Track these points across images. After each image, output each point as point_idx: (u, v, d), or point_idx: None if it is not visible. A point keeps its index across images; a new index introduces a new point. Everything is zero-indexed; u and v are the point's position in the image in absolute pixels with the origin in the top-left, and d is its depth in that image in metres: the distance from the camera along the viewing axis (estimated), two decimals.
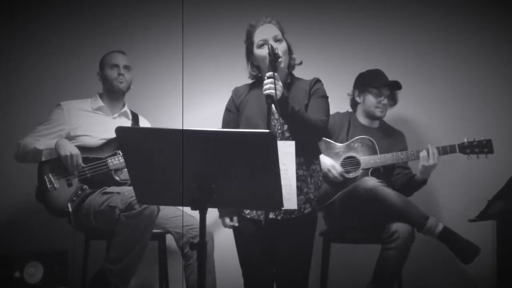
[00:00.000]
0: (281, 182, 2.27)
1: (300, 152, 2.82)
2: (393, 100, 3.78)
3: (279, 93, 2.79)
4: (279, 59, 2.91)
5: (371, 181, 3.44)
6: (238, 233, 3.10)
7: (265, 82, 2.81)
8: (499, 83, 4.05)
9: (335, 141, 3.70)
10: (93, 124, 3.65)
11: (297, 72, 3.17)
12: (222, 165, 2.26)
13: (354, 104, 3.84)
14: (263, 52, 2.98)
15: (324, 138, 3.60)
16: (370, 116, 3.77)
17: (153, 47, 4.25)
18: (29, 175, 3.56)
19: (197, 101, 4.21)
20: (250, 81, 3.18)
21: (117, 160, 3.54)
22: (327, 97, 3.10)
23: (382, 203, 3.38)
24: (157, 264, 3.73)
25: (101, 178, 3.52)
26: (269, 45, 2.89)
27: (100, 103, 3.72)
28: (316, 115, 2.99)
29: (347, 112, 3.87)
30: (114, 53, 3.77)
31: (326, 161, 3.58)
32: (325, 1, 4.22)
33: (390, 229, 3.35)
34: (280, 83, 2.83)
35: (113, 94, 3.74)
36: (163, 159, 2.29)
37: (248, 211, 3.03)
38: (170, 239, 3.67)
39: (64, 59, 4.25)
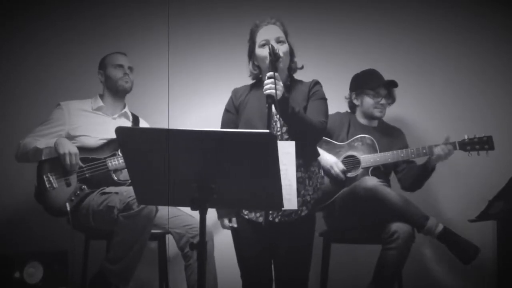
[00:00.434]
0: (281, 182, 2.27)
1: (299, 154, 2.82)
2: (391, 98, 3.78)
3: (279, 93, 2.79)
4: (280, 59, 2.91)
5: (371, 181, 3.43)
6: (236, 234, 3.10)
7: (265, 82, 2.81)
8: (499, 83, 4.05)
9: (335, 141, 3.70)
10: (93, 124, 3.64)
11: (297, 72, 3.17)
12: (222, 165, 2.26)
13: (352, 107, 3.84)
14: (264, 52, 2.98)
15: (324, 137, 3.60)
16: (369, 117, 3.77)
17: (153, 47, 4.24)
18: (29, 175, 3.56)
19: (197, 101, 4.20)
20: (249, 82, 3.18)
21: (116, 161, 3.54)
22: (326, 99, 3.10)
23: (382, 203, 3.38)
24: (157, 264, 3.72)
25: (100, 178, 3.51)
26: (270, 45, 2.90)
27: (100, 103, 3.72)
28: (315, 116, 2.99)
29: (347, 112, 3.87)
30: (117, 54, 3.77)
31: (329, 158, 3.58)
32: (325, 1, 4.22)
33: (390, 229, 3.35)
34: (280, 83, 2.83)
35: (116, 94, 3.73)
36: (163, 159, 2.29)
37: (247, 212, 3.03)
38: (170, 240, 3.66)
39: (63, 59, 4.25)
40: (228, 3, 4.27)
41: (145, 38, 4.26)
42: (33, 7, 4.29)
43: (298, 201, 2.93)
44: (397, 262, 3.34)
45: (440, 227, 3.37)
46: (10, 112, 4.22)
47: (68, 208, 3.42)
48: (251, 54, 3.11)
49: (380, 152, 3.62)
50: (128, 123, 3.77)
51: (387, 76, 3.75)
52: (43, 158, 3.49)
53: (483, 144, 3.53)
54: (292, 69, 3.12)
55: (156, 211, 3.36)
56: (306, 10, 4.16)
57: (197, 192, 2.26)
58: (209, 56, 4.24)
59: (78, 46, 4.25)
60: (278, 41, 3.03)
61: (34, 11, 4.29)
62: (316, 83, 3.11)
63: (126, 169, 3.51)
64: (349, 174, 3.62)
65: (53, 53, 4.26)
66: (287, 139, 2.98)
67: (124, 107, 3.80)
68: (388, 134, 3.77)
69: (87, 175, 3.51)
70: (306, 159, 2.99)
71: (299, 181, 2.93)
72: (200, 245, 2.30)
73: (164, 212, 3.54)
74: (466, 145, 3.54)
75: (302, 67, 3.14)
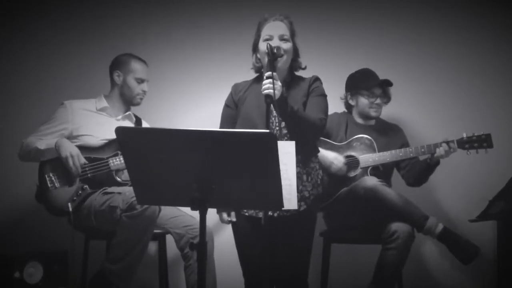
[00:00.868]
0: (281, 182, 2.27)
1: (298, 150, 2.82)
2: (386, 98, 3.78)
3: (277, 93, 2.79)
4: (278, 58, 2.91)
5: (371, 181, 3.44)
6: (236, 231, 3.10)
7: (264, 82, 2.82)
8: (499, 82, 4.05)
9: (333, 141, 3.70)
10: (96, 124, 3.63)
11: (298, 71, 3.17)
12: (222, 165, 2.26)
13: (348, 107, 3.85)
14: (264, 46, 2.96)
15: (322, 138, 3.61)
16: (365, 116, 3.77)
17: (153, 47, 4.24)
18: (29, 175, 3.55)
19: (197, 101, 4.20)
20: (250, 77, 3.18)
21: (118, 161, 3.53)
22: (325, 96, 3.11)
23: (382, 202, 3.38)
24: (157, 264, 3.72)
25: (102, 179, 3.51)
26: (268, 45, 2.89)
27: (105, 103, 3.70)
28: (315, 113, 2.99)
29: (344, 112, 3.88)
30: (142, 63, 3.71)
31: (328, 154, 3.58)
32: (325, 2, 4.22)
33: (390, 229, 3.35)
34: (279, 83, 2.83)
35: (124, 100, 3.72)
36: (163, 159, 2.29)
37: None
38: (170, 240, 3.66)
39: (64, 59, 4.25)
40: (228, 3, 4.26)
41: (146, 37, 4.26)
42: (33, 7, 4.29)
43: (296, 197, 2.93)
44: (397, 262, 3.34)
45: (440, 227, 3.37)
46: (11, 112, 4.22)
47: (70, 208, 3.41)
48: (255, 47, 3.11)
49: (378, 151, 3.63)
50: (131, 126, 3.75)
51: (386, 76, 3.75)
52: (43, 159, 3.48)
53: (481, 142, 3.53)
54: (295, 68, 3.13)
55: (159, 211, 3.36)
56: (306, 10, 4.16)
57: (197, 192, 2.26)
58: (210, 55, 4.24)
59: (78, 46, 4.25)
60: (282, 39, 3.03)
61: (34, 11, 4.29)
62: (316, 79, 3.12)
63: None
64: (348, 174, 3.62)
65: (53, 53, 4.26)
66: (285, 135, 2.98)
67: (129, 109, 3.79)
68: (386, 132, 3.77)
69: (89, 175, 3.50)
70: (305, 155, 2.99)
71: (297, 176, 2.91)
72: (200, 245, 2.30)
73: (165, 212, 3.54)
74: (465, 144, 3.53)
75: (305, 68, 3.15)
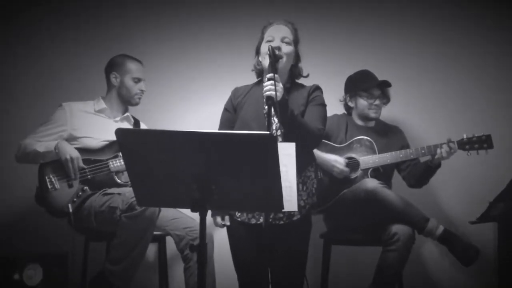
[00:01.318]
0: (281, 183, 2.27)
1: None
2: (385, 98, 3.77)
3: (279, 95, 2.78)
4: (279, 60, 2.90)
5: (372, 183, 3.43)
6: (230, 236, 3.09)
7: (265, 84, 2.81)
8: (499, 82, 4.05)
9: (334, 143, 3.70)
10: (95, 126, 3.63)
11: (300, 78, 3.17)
12: (222, 166, 2.26)
13: (348, 109, 3.84)
14: (265, 48, 2.96)
15: (323, 140, 3.59)
16: (365, 118, 3.77)
17: (153, 47, 4.24)
18: (29, 177, 3.55)
19: (197, 102, 4.20)
20: (250, 78, 3.17)
21: (118, 163, 3.53)
22: (325, 105, 3.08)
23: (383, 204, 3.38)
24: (157, 266, 3.72)
25: (101, 180, 3.51)
26: (270, 46, 2.88)
27: (103, 105, 3.70)
28: (313, 122, 2.97)
29: (344, 113, 3.87)
30: (137, 63, 3.72)
31: (328, 157, 3.57)
32: (325, 2, 4.22)
33: (390, 231, 3.34)
34: (280, 85, 2.82)
35: (123, 102, 3.72)
36: (163, 161, 2.28)
37: (239, 214, 3.02)
38: (170, 241, 3.66)
39: (62, 60, 4.24)
40: (227, 5, 4.26)
41: (145, 38, 4.25)
42: (30, 9, 4.28)
43: None
44: (397, 264, 3.33)
45: (441, 228, 3.36)
46: (11, 112, 4.21)
47: (70, 209, 3.41)
48: (258, 50, 3.10)
49: (379, 152, 3.62)
50: (129, 127, 3.75)
51: (386, 77, 3.74)
52: (42, 161, 3.48)
53: (482, 143, 3.52)
54: (294, 74, 3.11)
55: (159, 211, 3.36)
56: (306, 10, 4.16)
57: (197, 194, 2.26)
58: (210, 56, 4.23)
59: (77, 47, 4.24)
60: (283, 41, 3.02)
61: (31, 13, 4.28)
62: (317, 88, 3.09)
63: None
64: (348, 176, 3.61)
65: (52, 54, 4.26)
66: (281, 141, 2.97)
67: (127, 110, 3.79)
68: (386, 133, 3.77)
69: (89, 176, 3.50)
70: (301, 164, 2.91)
71: None
72: (200, 247, 2.29)
73: (165, 214, 3.54)
74: (465, 145, 3.53)
75: (307, 76, 3.13)
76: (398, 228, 3.34)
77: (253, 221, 2.98)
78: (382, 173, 3.63)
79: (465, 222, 3.61)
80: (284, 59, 2.99)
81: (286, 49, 3.00)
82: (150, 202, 2.71)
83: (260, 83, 3.12)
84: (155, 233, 3.47)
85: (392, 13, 4.17)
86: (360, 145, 3.66)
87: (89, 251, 3.58)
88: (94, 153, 3.54)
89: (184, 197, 2.29)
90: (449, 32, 4.11)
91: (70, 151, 3.45)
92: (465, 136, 3.54)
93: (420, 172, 3.60)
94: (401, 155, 3.60)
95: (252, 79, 3.21)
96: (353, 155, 3.65)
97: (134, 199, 3.20)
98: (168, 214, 3.57)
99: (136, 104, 3.73)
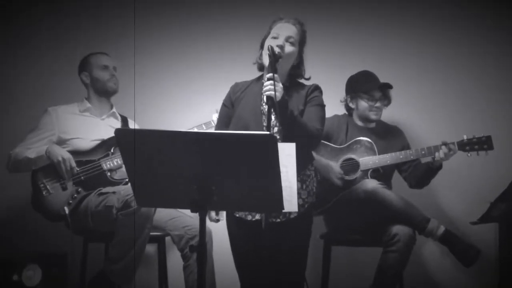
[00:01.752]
0: (281, 184, 2.26)
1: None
2: (386, 100, 3.76)
3: (279, 95, 2.77)
4: (279, 59, 2.89)
5: (372, 183, 3.43)
6: (229, 233, 3.08)
7: (265, 83, 2.80)
8: (499, 83, 4.04)
9: (334, 143, 3.69)
10: (83, 126, 3.65)
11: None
12: (222, 166, 2.26)
13: (349, 109, 3.83)
14: (269, 43, 2.94)
15: (323, 141, 3.59)
16: (365, 119, 3.76)
17: (154, 47, 4.23)
18: (28, 177, 3.54)
19: (197, 102, 4.19)
20: (250, 78, 3.16)
21: (110, 161, 3.55)
22: (323, 106, 3.06)
23: (383, 205, 3.37)
24: (157, 266, 3.71)
25: (95, 180, 3.52)
26: (269, 46, 2.88)
27: (87, 104, 3.72)
28: (312, 123, 2.95)
29: (345, 114, 3.86)
30: (100, 54, 3.75)
31: (326, 164, 3.56)
32: (326, 3, 4.21)
33: (391, 232, 3.34)
34: (280, 85, 2.81)
35: (103, 95, 3.73)
36: (163, 161, 2.28)
37: None
38: (169, 240, 3.65)
39: (64, 60, 4.22)
40: (227, 5, 4.25)
41: (145, 39, 4.23)
42: (30, 9, 4.27)
43: None
44: (398, 264, 3.33)
45: (442, 229, 3.36)
46: (11, 112, 4.20)
47: (67, 212, 3.41)
48: (263, 44, 3.07)
49: (379, 153, 3.61)
50: (117, 123, 3.77)
51: (387, 78, 3.74)
52: (34, 168, 3.48)
53: (482, 144, 3.51)
54: (297, 74, 3.09)
55: (155, 208, 3.36)
56: (306, 10, 4.15)
57: (197, 194, 2.25)
58: (209, 55, 4.23)
59: (77, 47, 4.22)
60: (287, 40, 3.00)
61: (29, 13, 4.27)
62: (316, 88, 3.07)
63: (120, 169, 3.55)
64: (347, 177, 3.60)
65: (51, 53, 4.25)
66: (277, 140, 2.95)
67: (112, 107, 3.80)
68: (386, 134, 3.76)
69: (82, 177, 3.51)
70: (300, 163, 2.89)
71: None
72: (200, 247, 2.29)
73: (163, 214, 3.54)
74: (465, 146, 3.52)
75: (309, 78, 3.11)
76: (399, 229, 3.33)
77: (249, 217, 2.97)
78: (382, 173, 3.63)
79: (466, 223, 3.60)
80: (285, 58, 2.97)
81: (289, 49, 2.99)
82: (150, 203, 2.71)
83: (260, 79, 3.11)
84: (154, 234, 3.47)
85: (392, 13, 4.16)
86: (360, 146, 3.66)
87: (88, 251, 3.58)
88: (85, 154, 3.56)
89: (184, 197, 2.28)
90: (449, 32, 4.10)
91: (62, 153, 3.46)
92: (465, 137, 3.53)
93: (421, 173, 3.60)
94: (401, 156, 3.59)
95: (252, 77, 3.19)
96: (353, 156, 3.64)
97: (129, 196, 3.26)
98: (166, 214, 3.57)
99: (114, 91, 3.73)
